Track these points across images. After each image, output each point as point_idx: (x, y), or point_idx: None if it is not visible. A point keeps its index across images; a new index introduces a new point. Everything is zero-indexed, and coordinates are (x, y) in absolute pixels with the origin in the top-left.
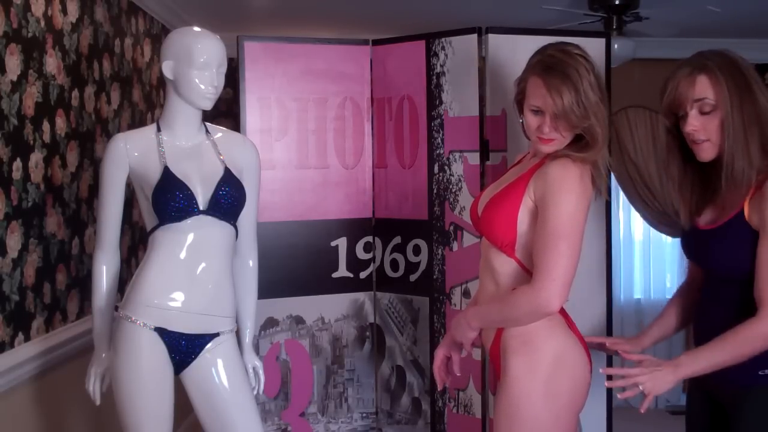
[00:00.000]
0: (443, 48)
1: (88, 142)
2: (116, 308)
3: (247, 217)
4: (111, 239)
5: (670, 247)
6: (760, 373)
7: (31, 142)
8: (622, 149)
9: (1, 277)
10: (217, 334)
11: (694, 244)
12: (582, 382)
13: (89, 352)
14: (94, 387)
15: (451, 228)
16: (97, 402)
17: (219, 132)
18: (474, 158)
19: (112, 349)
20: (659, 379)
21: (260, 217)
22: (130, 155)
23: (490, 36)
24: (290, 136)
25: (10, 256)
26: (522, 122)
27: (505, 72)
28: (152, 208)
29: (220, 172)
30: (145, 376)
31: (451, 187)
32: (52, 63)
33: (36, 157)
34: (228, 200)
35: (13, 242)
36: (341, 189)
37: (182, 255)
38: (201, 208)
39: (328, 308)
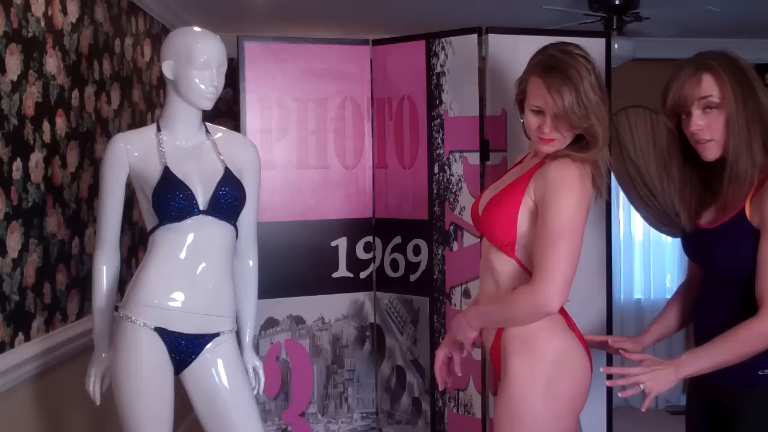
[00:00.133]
0: (443, 48)
1: (88, 142)
2: (116, 308)
3: (247, 217)
4: (111, 239)
5: (670, 247)
6: (760, 373)
7: (31, 142)
8: (622, 149)
9: (1, 277)
10: (217, 334)
11: (694, 244)
12: (582, 382)
13: (89, 352)
14: (94, 387)
15: (451, 228)
16: (97, 402)
17: (219, 132)
18: (474, 158)
19: (112, 349)
20: (660, 379)
21: (260, 217)
22: (130, 155)
23: (491, 36)
24: (290, 136)
25: (10, 256)
26: (523, 122)
27: (506, 72)
28: (152, 208)
29: (220, 172)
30: (145, 376)
31: (451, 187)
32: (52, 63)
33: (36, 157)
34: (228, 200)
35: (13, 242)
36: (341, 189)
37: (182, 255)
38: (201, 208)
39: (328, 308)
